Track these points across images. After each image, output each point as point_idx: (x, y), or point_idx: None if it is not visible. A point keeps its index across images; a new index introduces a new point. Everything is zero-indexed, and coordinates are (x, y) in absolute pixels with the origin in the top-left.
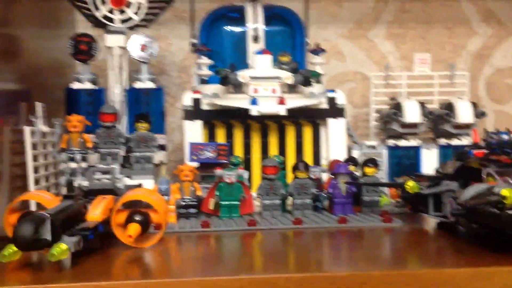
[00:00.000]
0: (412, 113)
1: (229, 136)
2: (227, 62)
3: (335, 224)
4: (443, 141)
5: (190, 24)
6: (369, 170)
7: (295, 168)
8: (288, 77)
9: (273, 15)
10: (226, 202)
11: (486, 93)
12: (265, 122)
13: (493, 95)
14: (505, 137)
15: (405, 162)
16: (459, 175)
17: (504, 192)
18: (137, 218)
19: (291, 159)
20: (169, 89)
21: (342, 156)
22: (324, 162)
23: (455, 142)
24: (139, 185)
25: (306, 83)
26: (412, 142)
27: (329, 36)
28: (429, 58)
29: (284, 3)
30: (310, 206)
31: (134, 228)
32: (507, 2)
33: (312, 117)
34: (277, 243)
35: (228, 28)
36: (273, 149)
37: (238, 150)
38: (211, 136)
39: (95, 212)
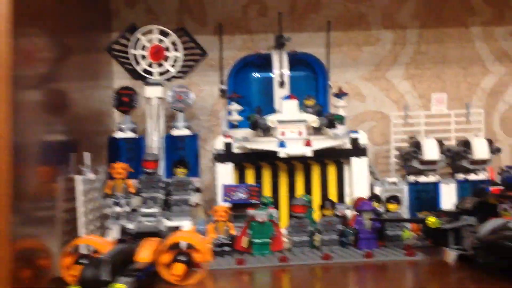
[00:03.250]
0: (430, 151)
1: (258, 177)
2: (254, 107)
3: (361, 259)
4: (460, 176)
5: (219, 71)
6: (392, 207)
7: (322, 206)
8: (313, 120)
9: (297, 61)
10: (258, 240)
11: (501, 128)
12: (292, 162)
13: (507, 130)
14: None
15: (425, 197)
16: (477, 211)
17: None
18: (182, 258)
19: (317, 197)
20: (200, 132)
21: (365, 193)
22: (348, 199)
23: (472, 177)
24: (178, 227)
25: (331, 125)
26: (431, 178)
27: (350, 78)
28: (445, 97)
29: (308, 49)
30: (337, 242)
31: (180, 268)
32: None
33: (336, 157)
34: (307, 278)
35: (255, 74)
36: (300, 189)
37: (267, 190)
38: (241, 177)
39: (145, 253)
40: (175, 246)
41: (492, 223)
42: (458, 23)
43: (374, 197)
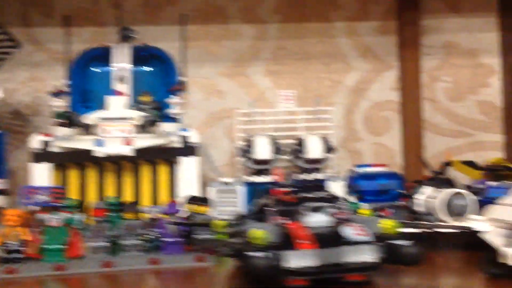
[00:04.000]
0: (262, 150)
1: (83, 178)
2: (101, 103)
3: (145, 266)
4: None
5: (65, 65)
6: (199, 209)
7: (121, 210)
8: (138, 117)
9: (150, 56)
10: (50, 246)
11: (364, 126)
12: (119, 163)
13: (370, 128)
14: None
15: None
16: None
17: (252, 233)
18: None
19: (147, 198)
20: (45, 129)
21: (195, 193)
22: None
23: (308, 177)
24: None
25: (152, 123)
26: (267, 178)
27: (209, 74)
28: (293, 94)
29: (163, 43)
30: (139, 247)
31: None
32: (382, 37)
33: (166, 156)
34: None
35: (98, 69)
36: (128, 190)
37: (91, 193)
38: (64, 179)
39: None
40: None
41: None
42: (321, 18)
43: (195, 198)
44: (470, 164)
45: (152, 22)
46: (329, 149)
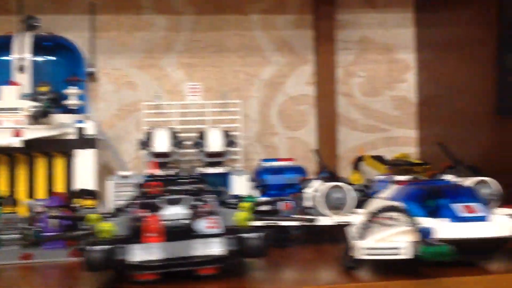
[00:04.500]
0: (160, 142)
1: None
2: None
3: (16, 261)
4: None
5: None
6: (85, 202)
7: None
8: (29, 108)
9: (56, 46)
10: None
11: (279, 120)
12: (12, 155)
13: (286, 122)
14: None
15: None
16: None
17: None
18: None
19: (42, 192)
20: None
21: (90, 186)
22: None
23: (210, 170)
24: None
25: (43, 114)
26: (168, 171)
27: (120, 65)
28: (199, 86)
29: (72, 33)
30: (18, 242)
31: None
32: (299, 31)
33: (60, 149)
34: None
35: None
36: (22, 183)
37: None
38: None
39: None
40: None
41: None
42: (237, 10)
43: (83, 192)
44: (379, 159)
45: (60, 11)
46: (231, 142)
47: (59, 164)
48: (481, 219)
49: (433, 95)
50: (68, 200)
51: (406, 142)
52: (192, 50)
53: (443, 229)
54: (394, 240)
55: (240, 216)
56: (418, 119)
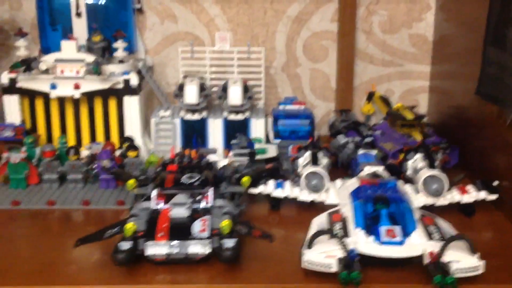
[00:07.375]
0: (191, 95)
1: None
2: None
3: (79, 206)
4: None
5: None
6: (129, 154)
7: (67, 153)
8: (87, 60)
9: None
10: (14, 176)
11: (303, 54)
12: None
13: (309, 55)
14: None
15: (191, 134)
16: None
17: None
18: None
19: (100, 136)
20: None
21: (137, 130)
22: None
23: (232, 117)
24: None
25: (97, 65)
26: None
27: (163, 0)
28: (228, 35)
29: None
30: (81, 181)
31: None
32: None
33: (111, 97)
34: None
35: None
36: (83, 128)
37: (56, 130)
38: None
39: None
40: None
41: None
42: None
43: (126, 140)
44: (385, 101)
45: None
46: (249, 97)
47: (111, 110)
48: (399, 243)
49: (448, 33)
50: (117, 148)
51: (419, 76)
52: None
53: (365, 246)
54: (330, 255)
55: (224, 223)
56: (433, 56)
